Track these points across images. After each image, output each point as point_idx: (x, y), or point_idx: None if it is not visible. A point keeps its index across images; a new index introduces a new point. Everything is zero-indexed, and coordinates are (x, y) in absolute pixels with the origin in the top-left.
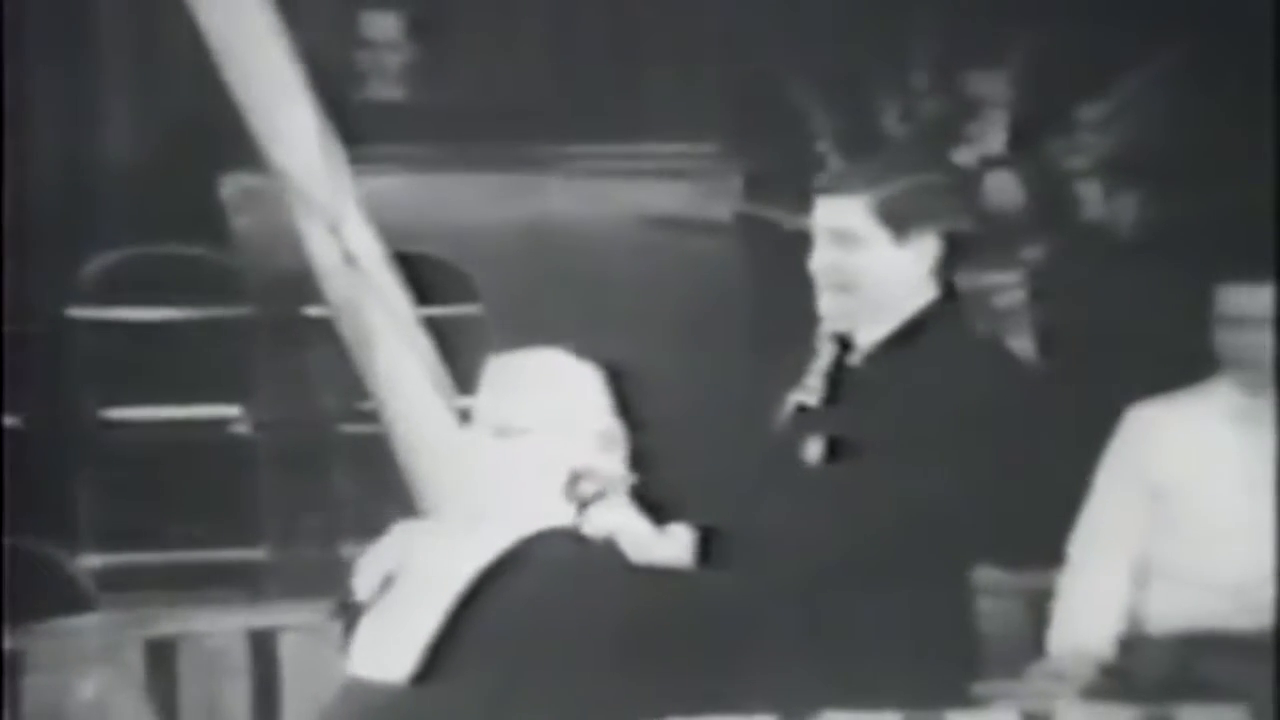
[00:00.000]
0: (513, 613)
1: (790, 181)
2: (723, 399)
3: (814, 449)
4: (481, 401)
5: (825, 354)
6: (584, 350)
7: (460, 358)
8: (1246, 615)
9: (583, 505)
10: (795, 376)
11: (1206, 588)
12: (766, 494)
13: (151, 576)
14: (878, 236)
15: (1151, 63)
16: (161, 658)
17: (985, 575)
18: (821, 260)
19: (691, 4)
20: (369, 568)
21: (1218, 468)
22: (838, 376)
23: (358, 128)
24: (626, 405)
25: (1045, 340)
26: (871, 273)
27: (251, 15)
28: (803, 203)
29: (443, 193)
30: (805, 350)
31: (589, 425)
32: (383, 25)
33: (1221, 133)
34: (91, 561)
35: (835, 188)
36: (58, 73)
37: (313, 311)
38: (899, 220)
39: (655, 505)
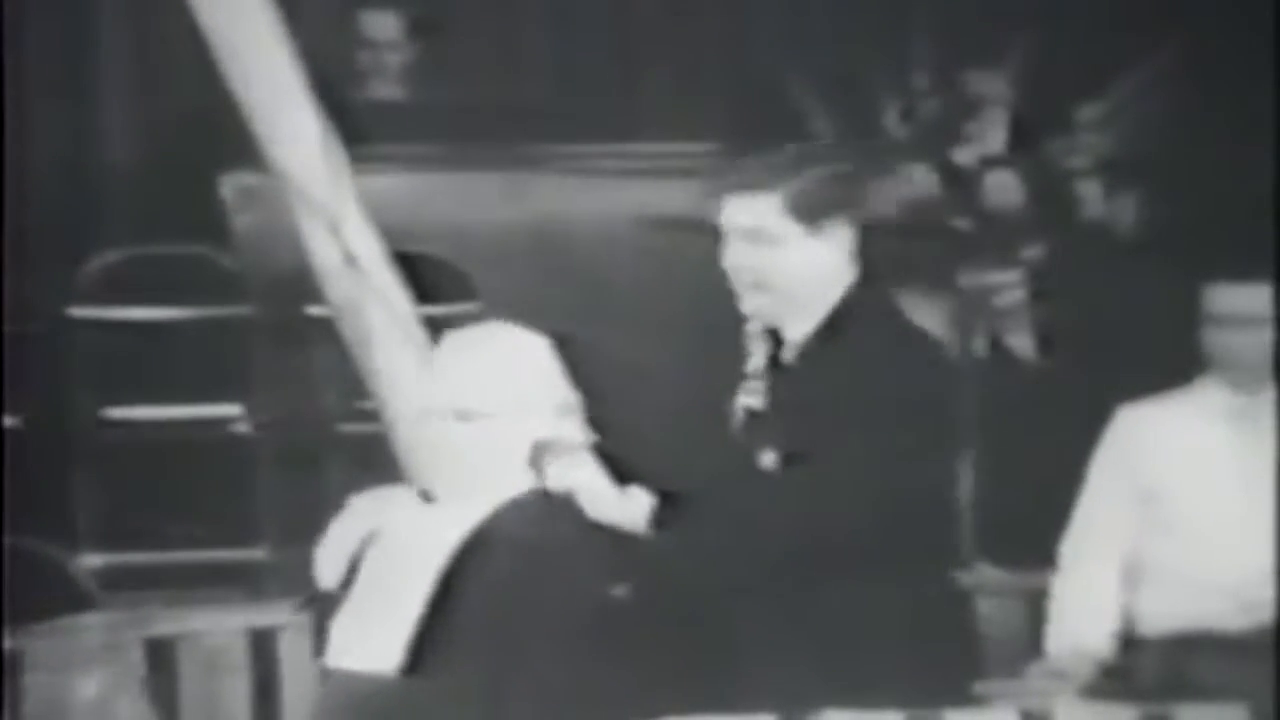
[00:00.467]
0: (491, 588)
1: None
2: (722, 399)
3: (768, 458)
4: (438, 386)
5: (759, 353)
6: (583, 350)
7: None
8: (1240, 614)
9: (543, 464)
10: (735, 376)
11: (1200, 587)
12: (729, 489)
13: (152, 576)
14: (791, 232)
15: (1151, 62)
16: (162, 657)
17: (984, 574)
18: (736, 260)
19: (691, 4)
20: (332, 554)
21: (1208, 467)
22: (775, 373)
23: (358, 127)
24: (631, 401)
25: (1045, 339)
26: (788, 269)
27: (252, 15)
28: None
29: (443, 192)
30: (739, 350)
31: (547, 399)
32: (383, 25)
33: (1221, 132)
34: (92, 561)
35: (745, 185)
36: (58, 72)
37: (313, 311)
38: (811, 213)
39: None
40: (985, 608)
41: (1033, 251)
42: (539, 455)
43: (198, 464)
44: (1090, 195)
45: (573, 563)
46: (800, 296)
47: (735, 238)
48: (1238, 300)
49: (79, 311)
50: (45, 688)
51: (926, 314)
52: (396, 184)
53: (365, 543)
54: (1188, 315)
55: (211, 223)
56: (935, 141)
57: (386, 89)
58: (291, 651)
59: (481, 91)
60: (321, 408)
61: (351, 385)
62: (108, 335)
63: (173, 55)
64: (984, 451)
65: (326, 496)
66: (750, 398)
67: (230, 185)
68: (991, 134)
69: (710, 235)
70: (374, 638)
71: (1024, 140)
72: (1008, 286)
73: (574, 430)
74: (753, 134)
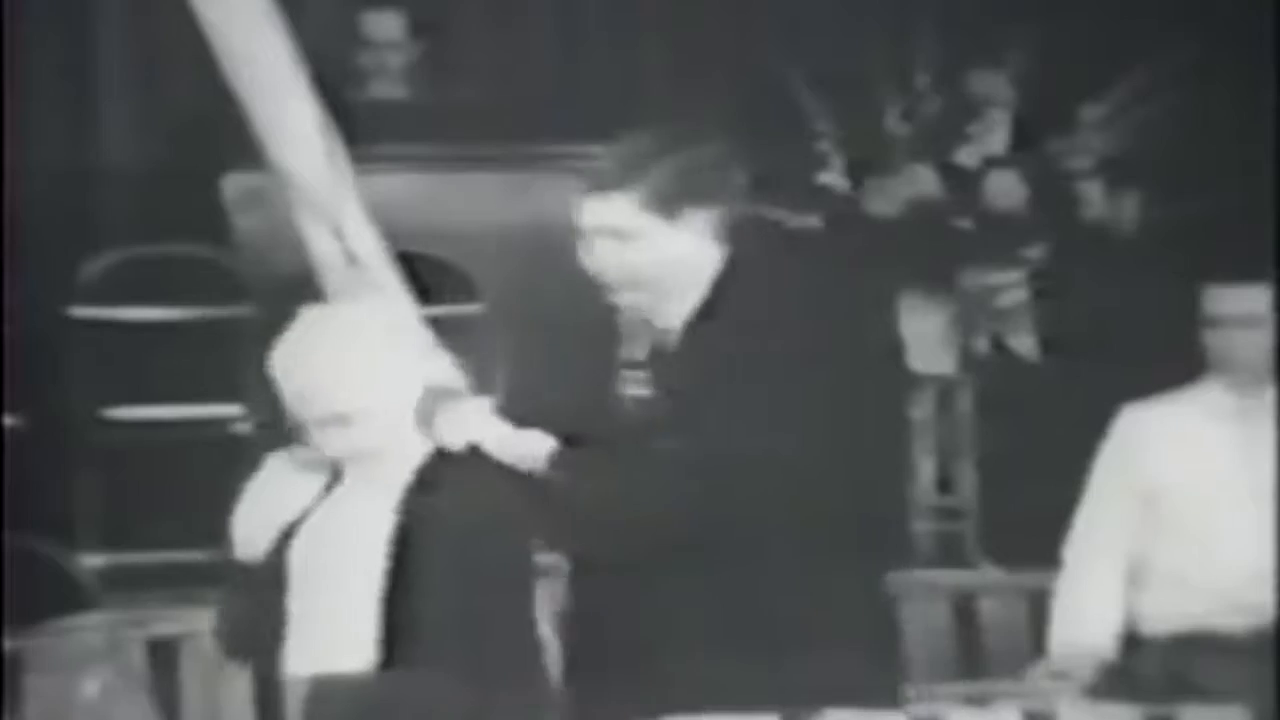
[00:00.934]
0: (435, 563)
1: (793, 181)
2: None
3: (665, 443)
4: (300, 395)
5: (639, 343)
6: (583, 349)
7: (463, 357)
8: (1243, 615)
9: (432, 416)
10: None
11: (1202, 587)
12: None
13: (152, 576)
14: (652, 227)
15: (1152, 63)
16: (163, 657)
17: (987, 574)
18: (601, 260)
19: (693, 4)
20: (251, 525)
21: (1209, 468)
22: (658, 359)
23: (359, 127)
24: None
25: (1046, 339)
26: (654, 265)
27: (253, 14)
28: (806, 202)
29: (444, 192)
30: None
31: (413, 365)
32: (385, 25)
33: (1222, 133)
34: (93, 561)
35: (600, 186)
36: (59, 73)
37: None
38: (669, 206)
39: None
40: (988, 607)
41: (1034, 251)
42: (428, 414)
43: (198, 464)
44: (1091, 195)
45: (501, 519)
46: (670, 288)
47: (597, 238)
48: (1238, 301)
49: (80, 311)
50: (46, 688)
51: (928, 314)
52: (398, 184)
53: (286, 535)
54: (1189, 315)
55: (212, 223)
56: (937, 142)
57: (388, 89)
58: None
59: (483, 91)
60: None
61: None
62: (108, 335)
63: (173, 56)
64: (986, 451)
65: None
66: (635, 387)
67: (231, 186)
68: (993, 134)
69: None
70: (338, 639)
71: (1026, 141)
72: (1009, 286)
73: (451, 378)
74: (755, 134)
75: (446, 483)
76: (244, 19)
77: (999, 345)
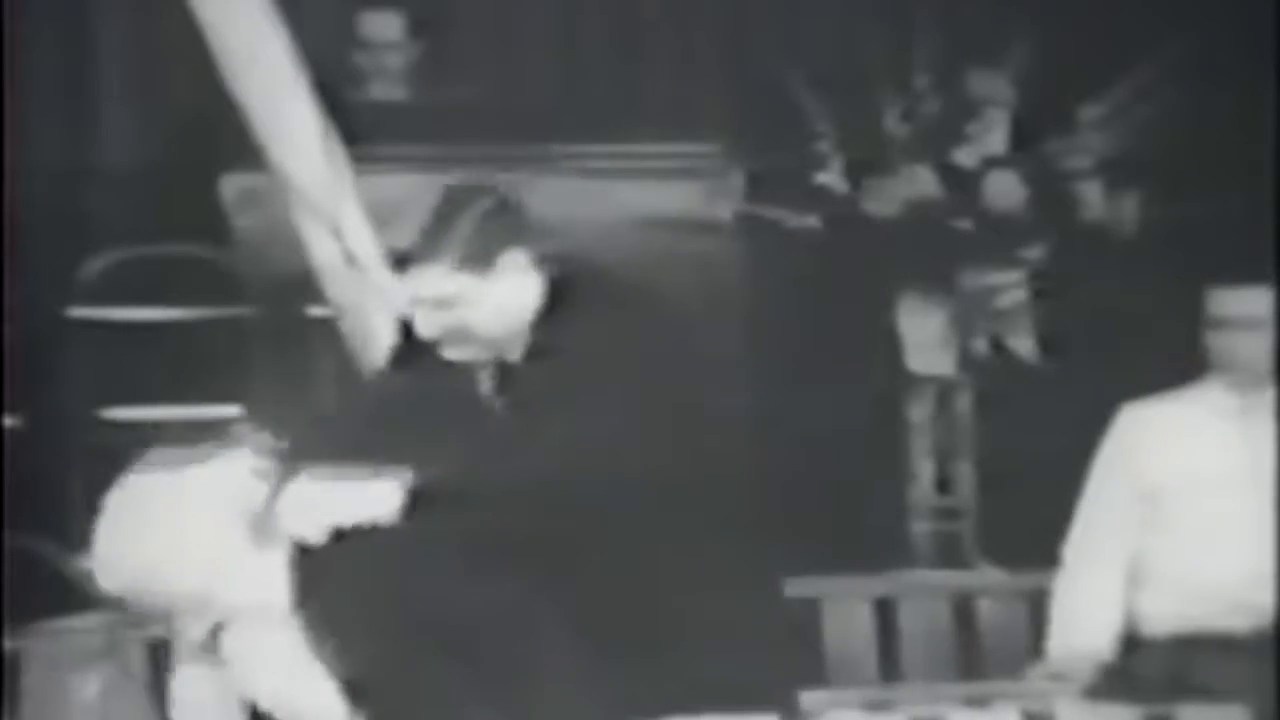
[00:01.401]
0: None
1: (792, 181)
2: (721, 399)
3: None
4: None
5: (485, 380)
6: (582, 349)
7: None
8: (1242, 615)
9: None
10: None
11: (1201, 588)
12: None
13: None
14: (470, 286)
15: (1152, 63)
16: (161, 657)
17: (986, 575)
18: (430, 329)
19: (693, 4)
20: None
21: (1209, 467)
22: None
23: (359, 128)
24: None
25: (1046, 340)
26: (481, 320)
27: (252, 14)
28: (805, 202)
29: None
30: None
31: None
32: (384, 25)
33: (1222, 133)
34: (91, 561)
35: (415, 259)
36: (58, 73)
37: (313, 312)
38: (481, 262)
39: None
40: (987, 608)
41: (1033, 252)
42: (268, 527)
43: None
44: (1091, 196)
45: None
46: (503, 334)
47: (420, 310)
48: (1241, 303)
49: (78, 312)
50: (44, 688)
51: (927, 314)
52: (398, 184)
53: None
54: (1188, 315)
55: (212, 223)
56: (936, 142)
57: (387, 90)
58: None
59: (482, 91)
60: (321, 408)
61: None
62: (107, 336)
63: (172, 56)
64: (986, 452)
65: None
66: (490, 403)
67: (230, 185)
68: (992, 135)
69: (711, 235)
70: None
71: (1025, 141)
72: (1009, 287)
73: (269, 481)
74: (754, 134)
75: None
76: (243, 20)
77: (998, 346)
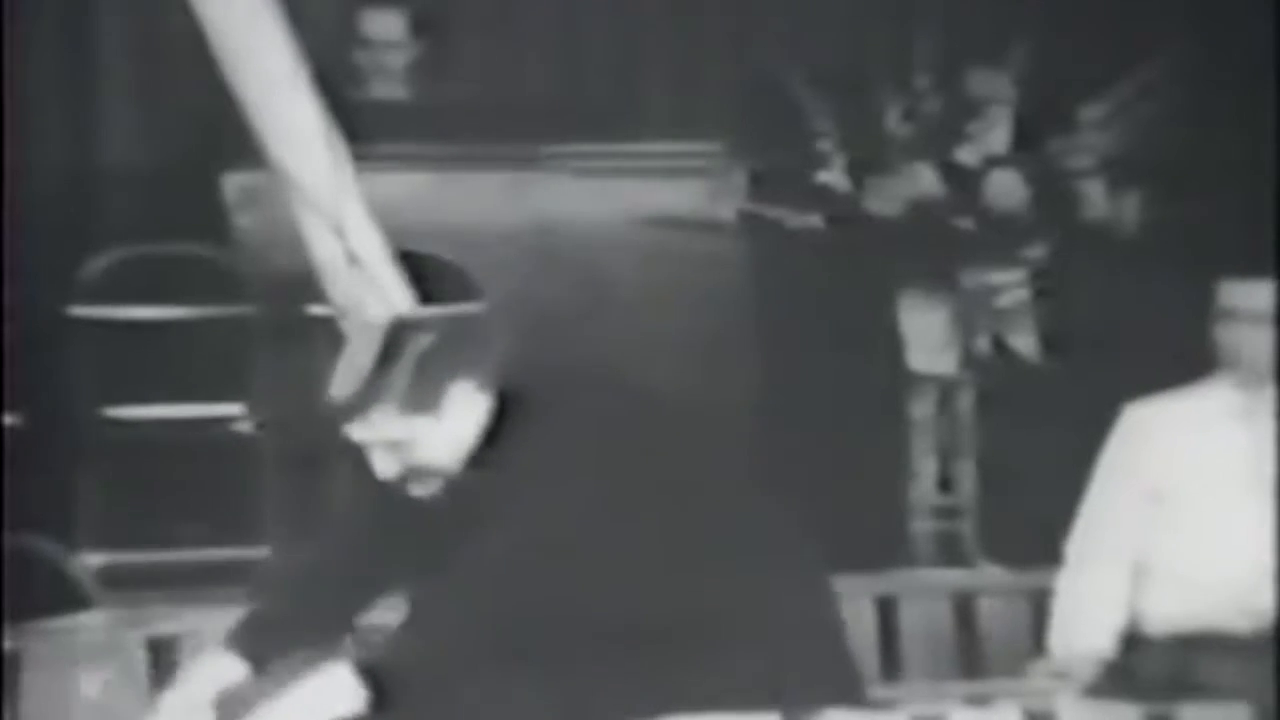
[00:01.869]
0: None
1: (793, 180)
2: (725, 398)
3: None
4: None
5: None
6: (585, 348)
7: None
8: (1246, 615)
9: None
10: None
11: (1205, 587)
12: None
13: (153, 575)
14: (420, 426)
15: (1154, 62)
16: (163, 656)
17: (987, 573)
18: (388, 470)
19: (694, 3)
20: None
21: (1215, 466)
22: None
23: (360, 126)
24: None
25: (1048, 339)
26: (434, 456)
27: (253, 13)
28: (807, 201)
29: (445, 192)
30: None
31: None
32: (386, 24)
33: (1223, 131)
34: (93, 560)
35: (358, 409)
36: (59, 71)
37: (315, 310)
38: (428, 403)
39: None
40: (988, 606)
41: (1035, 251)
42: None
43: (199, 463)
44: (1093, 195)
45: None
46: (456, 463)
47: (377, 454)
48: (1249, 296)
49: (80, 311)
50: (46, 686)
51: (928, 313)
52: (399, 183)
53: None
54: (1191, 314)
55: (213, 221)
56: (938, 141)
57: (389, 88)
58: None
59: (484, 90)
60: (323, 407)
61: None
62: (109, 334)
63: (173, 54)
64: (988, 451)
65: (328, 495)
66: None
67: (232, 184)
68: (994, 133)
69: (713, 234)
70: None
71: (1027, 140)
72: (1010, 286)
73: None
74: (756, 133)
75: None
76: (244, 17)
77: (1000, 345)
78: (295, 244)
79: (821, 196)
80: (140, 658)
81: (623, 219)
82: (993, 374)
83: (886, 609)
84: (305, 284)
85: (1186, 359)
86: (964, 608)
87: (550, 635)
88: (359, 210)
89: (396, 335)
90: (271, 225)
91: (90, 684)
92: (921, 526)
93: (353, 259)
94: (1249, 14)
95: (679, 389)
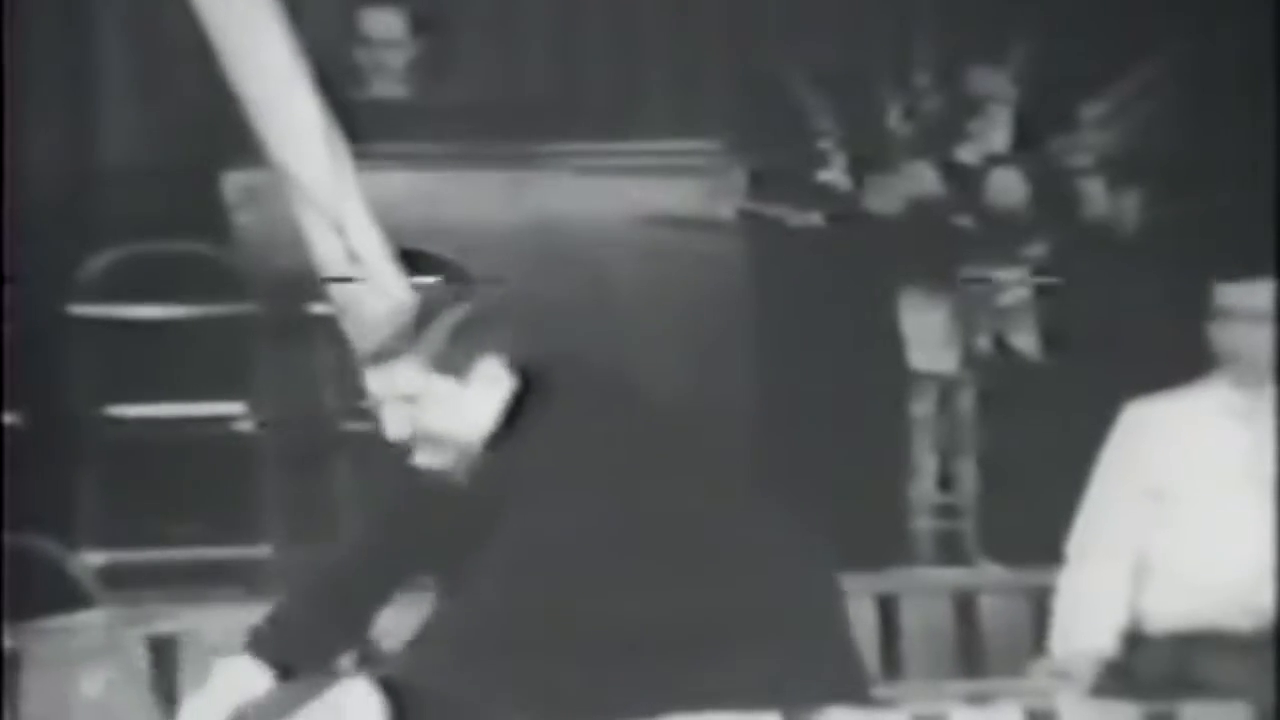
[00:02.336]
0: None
1: (793, 179)
2: (725, 397)
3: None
4: None
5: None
6: (585, 347)
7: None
8: (1246, 614)
9: None
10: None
11: (1206, 585)
12: None
13: (153, 574)
14: (440, 388)
15: (1154, 60)
16: (164, 655)
17: (987, 572)
18: (398, 429)
19: (694, 2)
20: None
21: (1215, 465)
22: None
23: (361, 125)
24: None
25: (1048, 337)
26: (450, 421)
27: (254, 11)
28: (807, 200)
29: (446, 190)
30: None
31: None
32: (386, 23)
33: (1224, 130)
34: (93, 559)
35: (382, 357)
36: (59, 69)
37: (315, 309)
38: (455, 365)
39: None
40: (988, 605)
41: (1036, 250)
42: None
43: (200, 462)
44: (1093, 193)
45: None
46: (472, 437)
47: (389, 407)
48: (1246, 295)
49: (80, 309)
50: (46, 685)
51: (929, 312)
52: (399, 182)
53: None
54: (1191, 312)
55: (214, 220)
56: (938, 139)
57: (389, 87)
58: None
59: (484, 89)
60: (323, 406)
61: (353, 383)
62: (109, 333)
63: (173, 52)
64: (988, 449)
65: (329, 494)
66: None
67: (232, 182)
68: (994, 132)
69: (713, 232)
70: None
71: (1027, 138)
72: (1011, 285)
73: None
74: (756, 131)
75: None
76: (245, 16)
77: (1000, 343)
78: (296, 243)
79: (822, 195)
80: (141, 656)
81: (623, 218)
82: (993, 372)
83: (887, 607)
84: (306, 282)
85: (1186, 357)
86: (964, 606)
87: (555, 639)
88: (359, 209)
89: (435, 298)
90: (272, 224)
91: (91, 683)
92: (922, 525)
93: (353, 257)
94: (1249, 12)
95: (679, 388)
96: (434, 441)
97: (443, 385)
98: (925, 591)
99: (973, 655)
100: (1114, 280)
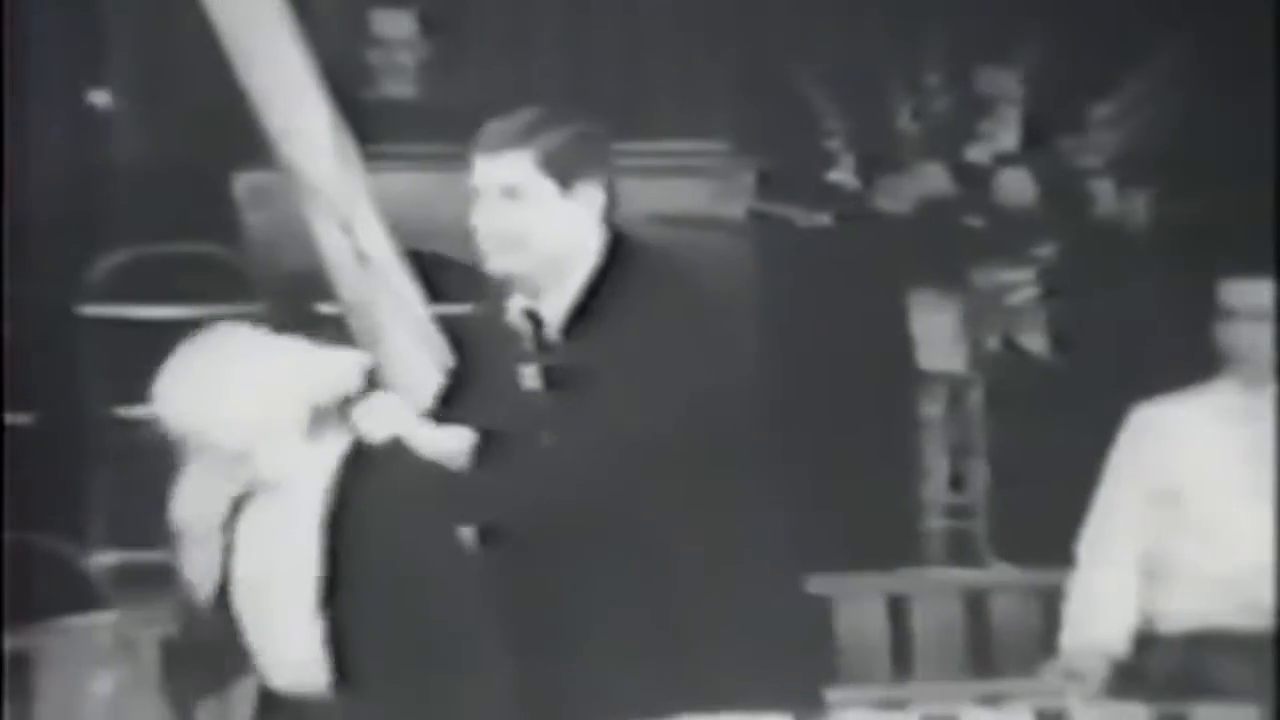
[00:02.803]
0: (371, 566)
1: (803, 179)
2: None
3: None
4: (192, 433)
5: (526, 334)
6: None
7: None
8: (1256, 613)
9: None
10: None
11: (1216, 586)
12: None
13: (165, 574)
14: (545, 188)
15: (1162, 60)
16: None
17: (999, 573)
18: (488, 218)
19: (703, 2)
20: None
21: (1223, 465)
22: (542, 354)
23: (370, 125)
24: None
25: (1058, 337)
26: (542, 226)
27: (264, 12)
28: (816, 200)
29: (455, 191)
30: (506, 332)
31: (293, 386)
32: (395, 23)
33: (1232, 130)
34: (104, 559)
35: (497, 144)
36: (68, 70)
37: (324, 309)
38: (563, 171)
39: None
40: (999, 605)
41: (1045, 249)
42: (321, 423)
43: None
44: (1102, 193)
45: (429, 512)
46: (555, 256)
47: (488, 196)
48: (1250, 294)
49: (89, 310)
50: (58, 686)
51: (938, 312)
52: (409, 182)
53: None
54: (1200, 312)
55: (223, 220)
56: (948, 139)
57: (399, 87)
58: None
59: (493, 89)
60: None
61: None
62: (118, 334)
63: (183, 52)
64: (998, 449)
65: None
66: (530, 380)
67: (242, 183)
68: (1004, 132)
69: (723, 233)
70: (291, 657)
71: (1036, 138)
72: (1020, 284)
73: (355, 382)
74: (765, 132)
75: (367, 481)
76: (255, 17)
77: (1010, 343)
78: (305, 243)
79: (831, 195)
80: (152, 657)
81: (632, 217)
82: (1003, 372)
83: (898, 608)
84: (314, 282)
85: (1196, 357)
86: (975, 606)
87: (570, 627)
88: (368, 209)
89: (554, 110)
90: (282, 224)
91: (102, 683)
92: (932, 525)
93: (362, 257)
94: (1255, 12)
95: (685, 388)
96: (519, 243)
97: (546, 186)
98: (936, 592)
99: (983, 655)
100: (1123, 280)
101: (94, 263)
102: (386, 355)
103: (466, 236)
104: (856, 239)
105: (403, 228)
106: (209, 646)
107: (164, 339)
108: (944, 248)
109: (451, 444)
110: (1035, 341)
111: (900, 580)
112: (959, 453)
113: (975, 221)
